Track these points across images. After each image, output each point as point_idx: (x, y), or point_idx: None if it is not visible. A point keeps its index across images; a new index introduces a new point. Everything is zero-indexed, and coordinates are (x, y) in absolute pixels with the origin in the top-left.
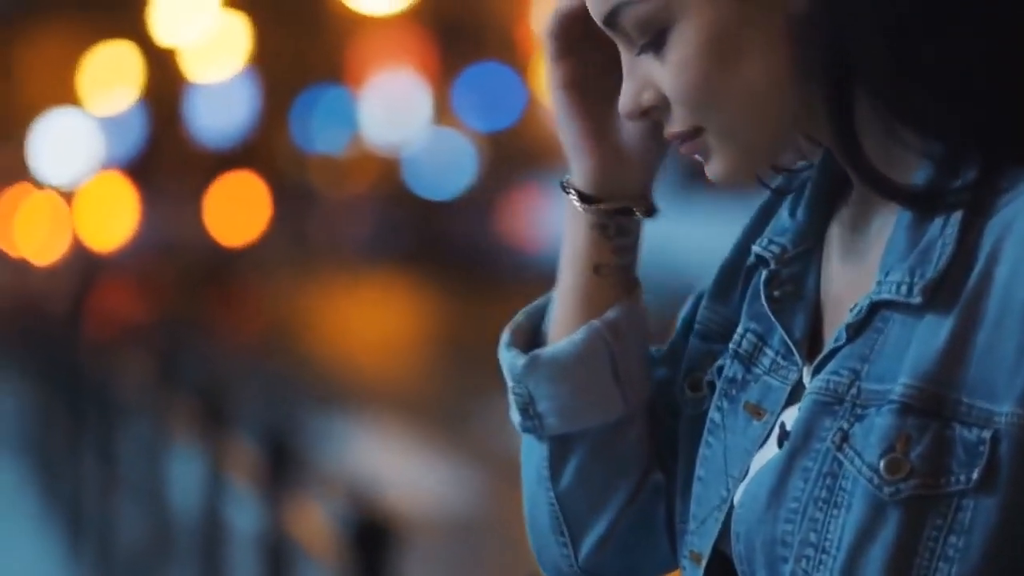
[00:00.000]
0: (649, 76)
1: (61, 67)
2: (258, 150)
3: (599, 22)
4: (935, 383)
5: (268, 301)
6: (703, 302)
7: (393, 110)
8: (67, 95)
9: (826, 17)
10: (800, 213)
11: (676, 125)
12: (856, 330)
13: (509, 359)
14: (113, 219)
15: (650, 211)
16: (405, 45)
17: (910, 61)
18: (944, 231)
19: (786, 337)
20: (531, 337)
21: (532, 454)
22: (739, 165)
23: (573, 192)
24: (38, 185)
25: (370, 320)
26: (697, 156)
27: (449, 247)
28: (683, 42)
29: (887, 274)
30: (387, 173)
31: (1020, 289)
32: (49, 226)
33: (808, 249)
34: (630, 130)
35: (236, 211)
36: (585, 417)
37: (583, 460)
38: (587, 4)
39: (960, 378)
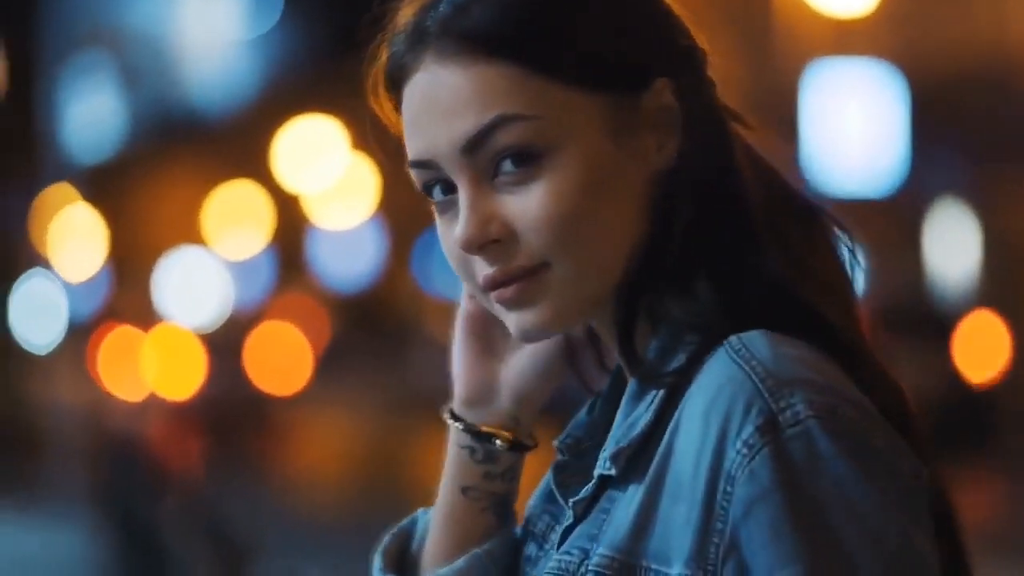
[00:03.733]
0: (496, 209)
1: (186, 207)
2: (381, 295)
3: (463, 141)
4: (626, 553)
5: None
6: (530, 500)
7: None
8: (193, 235)
9: (685, 176)
10: (596, 408)
11: (522, 260)
12: (584, 507)
13: None
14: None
15: (517, 446)
16: None
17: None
18: (649, 406)
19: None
20: (401, 559)
21: None
22: (564, 312)
23: (448, 411)
24: (162, 324)
25: None
26: (512, 307)
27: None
28: (561, 170)
29: (605, 448)
30: None
31: (687, 461)
32: (171, 363)
33: (600, 441)
34: (514, 366)
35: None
36: None
37: None
38: (450, 125)
39: (645, 547)
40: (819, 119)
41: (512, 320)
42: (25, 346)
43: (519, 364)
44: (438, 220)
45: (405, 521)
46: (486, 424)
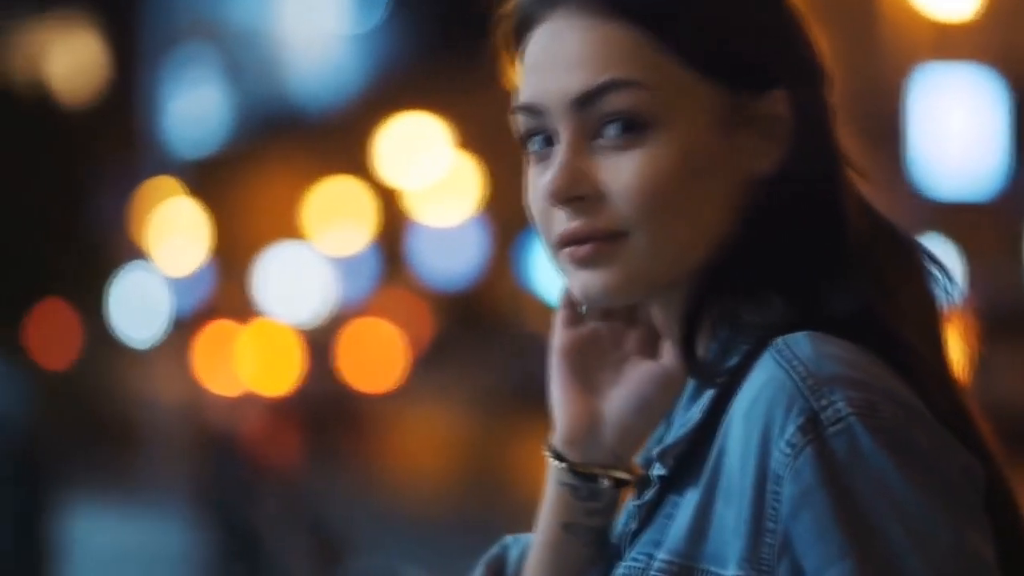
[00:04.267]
0: (590, 168)
1: (288, 202)
2: (483, 293)
3: (577, 94)
4: (685, 556)
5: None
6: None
7: None
8: (294, 230)
9: (780, 188)
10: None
11: (603, 222)
12: (648, 512)
13: None
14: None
15: (621, 482)
16: None
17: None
18: (699, 405)
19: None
20: None
21: None
22: (631, 282)
23: (549, 449)
24: (263, 319)
25: None
26: (581, 266)
27: None
28: (662, 146)
29: (657, 449)
30: None
31: (735, 462)
32: (275, 359)
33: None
34: (616, 403)
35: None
36: None
37: None
38: (567, 77)
39: (703, 550)
40: (923, 123)
41: (578, 279)
42: (126, 341)
43: (622, 400)
44: (530, 170)
45: (495, 549)
46: (589, 463)
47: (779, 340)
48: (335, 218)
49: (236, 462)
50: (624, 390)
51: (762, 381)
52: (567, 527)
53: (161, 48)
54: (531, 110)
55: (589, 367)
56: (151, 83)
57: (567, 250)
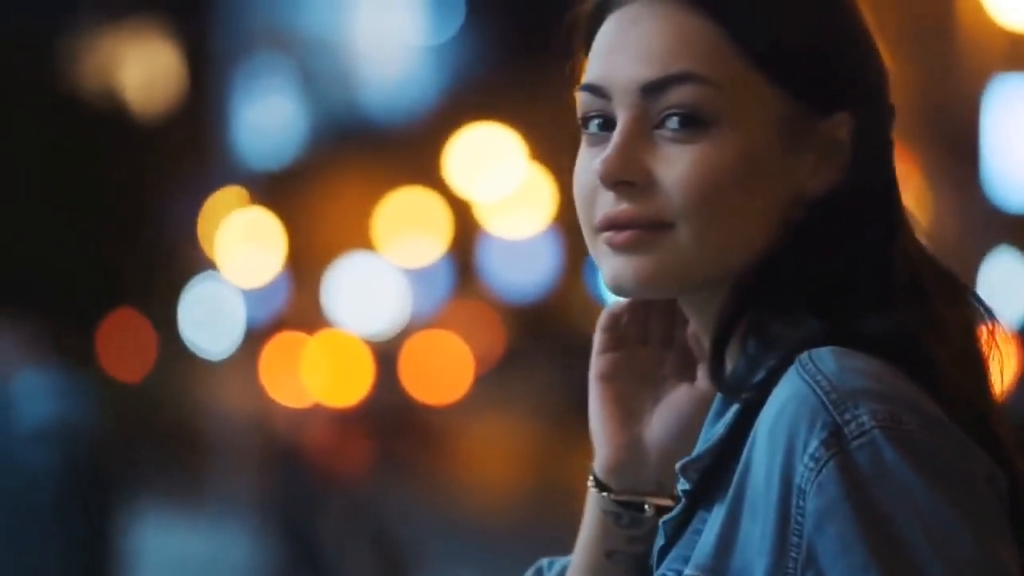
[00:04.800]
0: (645, 156)
1: (359, 212)
2: (554, 305)
3: (645, 81)
4: (711, 571)
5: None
6: None
7: None
8: (365, 241)
9: (830, 210)
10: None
11: (650, 211)
12: (675, 528)
13: None
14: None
15: (663, 508)
16: None
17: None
18: (725, 420)
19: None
20: None
21: None
22: (665, 274)
23: (591, 478)
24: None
25: None
26: (618, 251)
27: None
28: (722, 143)
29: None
30: None
31: (760, 477)
32: (340, 370)
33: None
34: (656, 429)
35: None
36: None
37: None
38: (638, 62)
39: (729, 564)
40: (999, 135)
41: (611, 265)
42: (197, 352)
43: (662, 425)
44: (583, 150)
45: (530, 572)
46: (633, 490)
47: (804, 355)
48: (407, 229)
49: (302, 473)
50: (663, 415)
51: (786, 396)
52: (610, 555)
53: (234, 57)
54: (596, 91)
55: (627, 393)
56: (224, 92)
57: (607, 234)
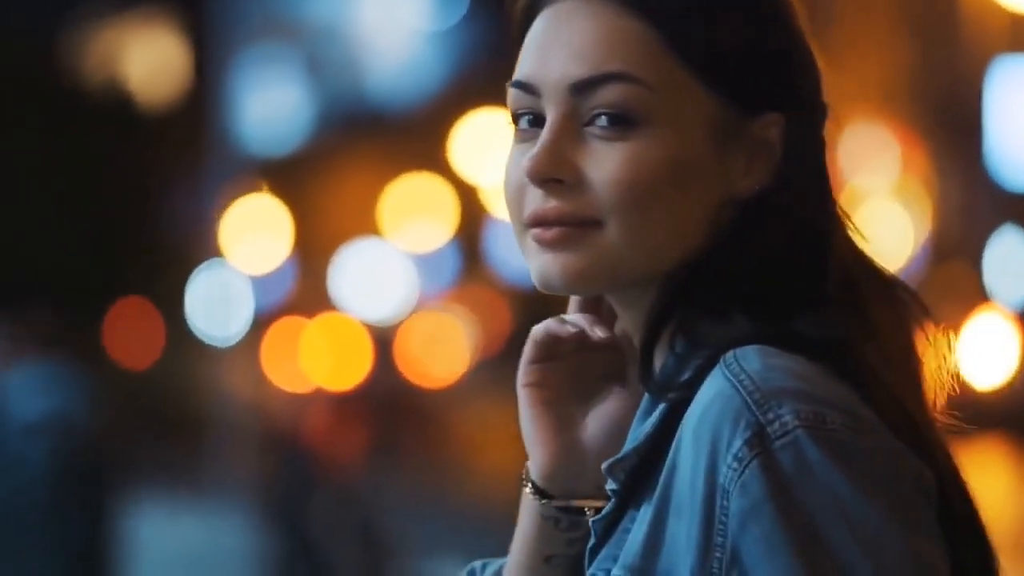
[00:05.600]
0: (573, 154)
1: (366, 198)
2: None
3: (575, 79)
4: (638, 572)
5: None
6: None
7: None
8: (372, 226)
9: (760, 210)
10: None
11: (578, 208)
12: (605, 528)
13: None
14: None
15: (602, 510)
16: None
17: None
18: (651, 419)
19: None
20: None
21: None
22: (593, 272)
23: (529, 484)
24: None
25: None
26: (546, 248)
27: None
28: (652, 141)
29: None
30: None
31: (686, 477)
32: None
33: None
34: (592, 431)
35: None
36: None
37: None
38: (569, 60)
39: (656, 565)
40: (1000, 115)
41: (538, 261)
42: (205, 340)
43: (601, 428)
44: (513, 147)
45: (462, 574)
46: (572, 496)
47: (728, 354)
48: (414, 215)
49: (302, 460)
50: (599, 417)
51: (710, 395)
52: (549, 559)
53: (239, 45)
54: (526, 88)
55: (559, 398)
56: (229, 80)
57: (535, 231)
